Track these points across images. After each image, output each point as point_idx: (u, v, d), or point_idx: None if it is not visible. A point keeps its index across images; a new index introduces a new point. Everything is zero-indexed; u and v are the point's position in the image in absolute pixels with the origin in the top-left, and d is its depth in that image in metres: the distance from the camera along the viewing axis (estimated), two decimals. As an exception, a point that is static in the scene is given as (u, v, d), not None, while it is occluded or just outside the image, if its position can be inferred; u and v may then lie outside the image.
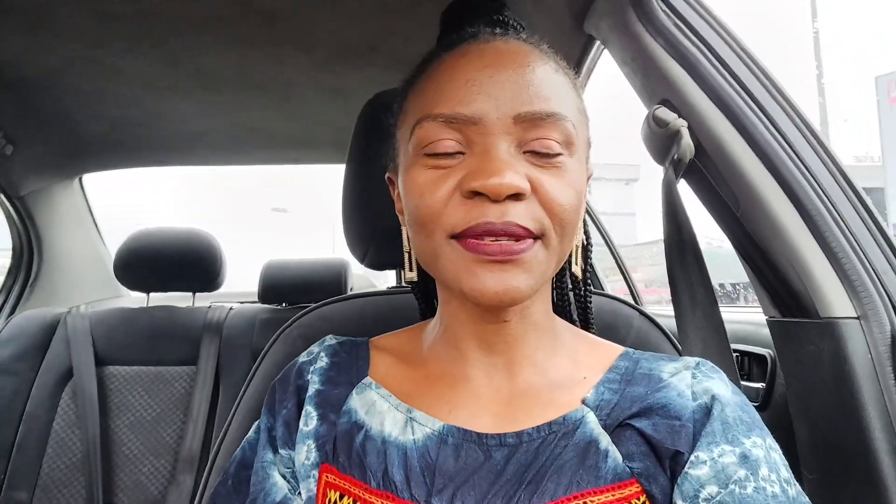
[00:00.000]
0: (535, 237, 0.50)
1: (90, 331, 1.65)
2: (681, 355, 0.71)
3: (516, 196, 0.49)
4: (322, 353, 0.65)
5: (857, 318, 0.64)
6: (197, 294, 1.91)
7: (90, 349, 1.62)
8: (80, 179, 2.11)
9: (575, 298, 0.69)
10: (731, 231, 0.75)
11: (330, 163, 2.00)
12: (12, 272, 1.98)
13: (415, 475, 0.52)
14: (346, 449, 0.56)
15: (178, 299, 1.88)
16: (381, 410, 0.57)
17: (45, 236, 1.97)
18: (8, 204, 1.84)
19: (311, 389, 0.61)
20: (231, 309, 1.79)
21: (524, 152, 0.51)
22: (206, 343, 1.68)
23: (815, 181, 0.68)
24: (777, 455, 0.51)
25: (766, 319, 0.76)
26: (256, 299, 1.91)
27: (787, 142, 0.69)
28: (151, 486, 1.53)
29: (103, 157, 1.93)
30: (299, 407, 0.61)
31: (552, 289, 0.65)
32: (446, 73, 0.54)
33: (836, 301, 0.65)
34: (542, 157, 0.51)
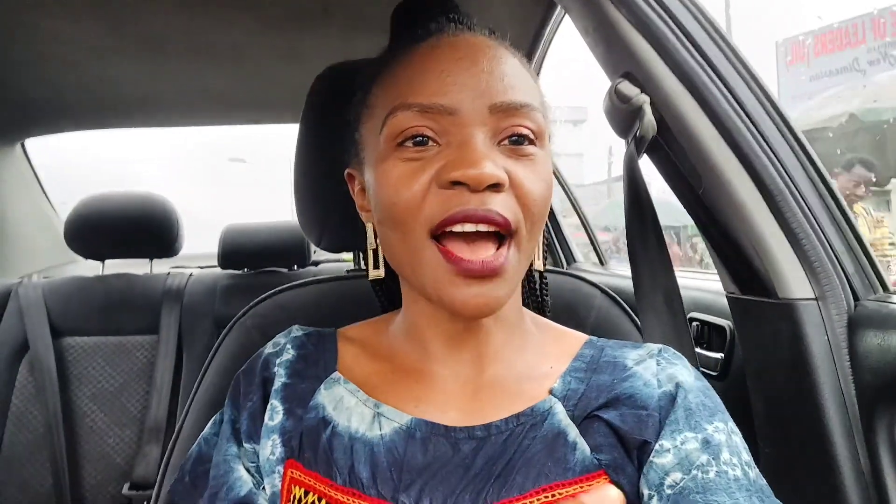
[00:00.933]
0: (510, 233, 0.50)
1: (44, 301, 1.61)
2: (641, 333, 0.72)
3: (495, 187, 0.49)
4: (288, 345, 0.63)
5: (815, 299, 0.65)
6: (155, 260, 1.86)
7: (45, 320, 1.58)
8: (23, 144, 2.01)
9: (532, 293, 0.68)
10: (693, 208, 0.74)
11: (287, 122, 1.94)
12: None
13: (381, 471, 0.51)
14: (312, 445, 0.55)
15: (134, 266, 1.83)
16: (348, 406, 0.56)
17: None
18: None
19: (278, 383, 0.60)
20: (191, 275, 1.76)
21: (499, 143, 0.51)
22: (167, 311, 1.65)
23: (778, 161, 0.67)
24: (738, 438, 0.52)
25: (726, 295, 0.76)
26: (216, 264, 1.87)
27: (750, 120, 0.68)
28: (117, 457, 1.54)
29: (46, 122, 1.86)
30: (265, 400, 0.60)
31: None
32: (419, 65, 0.53)
33: (794, 282, 0.66)
34: (515, 148, 0.52)
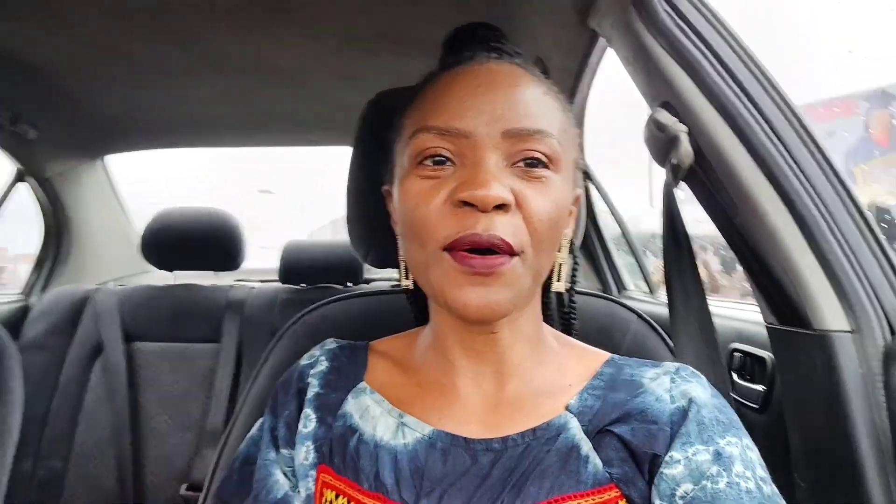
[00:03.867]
0: (514, 253, 0.52)
1: (118, 307, 1.71)
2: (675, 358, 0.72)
3: (502, 207, 0.51)
4: (322, 357, 0.68)
5: (851, 331, 0.64)
6: (220, 273, 1.95)
7: (118, 325, 1.68)
8: (104, 160, 2.15)
9: (558, 313, 0.70)
10: (730, 237, 0.74)
11: (343, 145, 2.01)
12: (43, 250, 2.04)
13: (404, 478, 0.55)
14: (341, 451, 0.59)
15: (201, 277, 1.93)
16: (374, 415, 0.60)
17: (73, 216, 2.03)
18: (36, 185, 1.89)
19: (311, 393, 0.64)
20: (252, 288, 1.83)
21: (512, 165, 0.54)
22: (229, 321, 1.72)
23: (814, 191, 0.66)
24: (754, 455, 0.53)
25: (765, 325, 0.76)
26: (276, 278, 1.95)
27: (787, 150, 0.68)
28: (177, 459, 1.60)
29: (123, 139, 1.97)
30: (299, 409, 0.64)
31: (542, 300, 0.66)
32: (441, 91, 0.58)
33: (830, 313, 0.65)
34: (527, 170, 0.54)
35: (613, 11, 0.80)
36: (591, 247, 1.81)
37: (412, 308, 0.73)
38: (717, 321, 1.06)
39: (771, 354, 0.92)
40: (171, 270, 1.89)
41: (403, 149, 0.58)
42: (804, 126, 0.69)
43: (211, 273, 2.00)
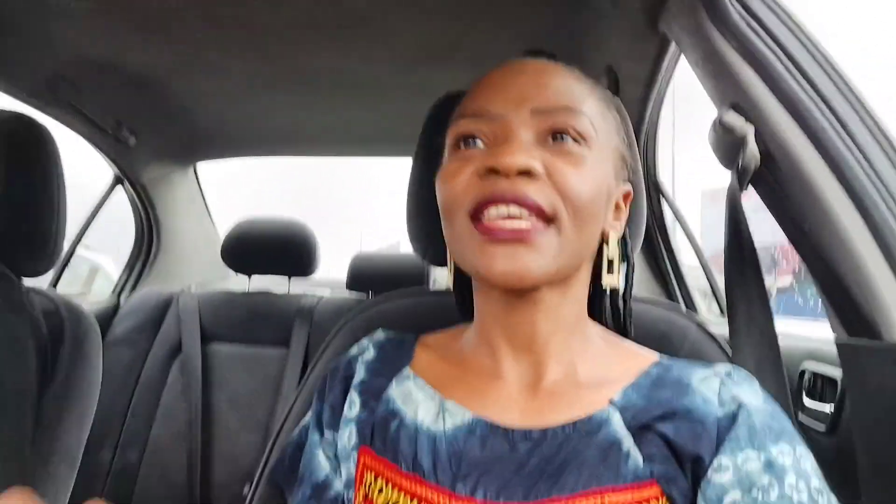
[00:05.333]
0: (548, 219, 0.53)
1: (198, 310, 1.80)
2: None
3: (529, 175, 0.53)
4: (370, 346, 0.70)
5: (928, 344, 0.59)
6: (292, 279, 2.03)
7: (197, 327, 1.76)
8: (195, 168, 2.29)
9: (612, 310, 0.68)
10: (799, 245, 0.71)
11: None
12: (135, 252, 2.18)
13: (442, 461, 0.55)
14: (382, 434, 0.60)
15: (275, 283, 2.01)
16: (416, 400, 0.61)
17: (163, 220, 2.15)
18: (131, 189, 2.03)
19: (357, 379, 0.66)
20: (322, 298, 1.89)
21: (543, 141, 0.56)
22: (298, 328, 1.78)
23: (891, 198, 0.63)
24: (808, 464, 0.50)
25: (834, 340, 0.71)
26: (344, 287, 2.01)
27: (862, 154, 0.64)
28: (243, 459, 1.64)
29: (215, 148, 2.09)
30: (344, 393, 0.66)
31: (589, 295, 0.66)
32: (480, 83, 0.62)
33: (905, 325, 0.60)
34: (559, 145, 0.55)
35: (683, 13, 0.80)
36: (662, 265, 1.76)
37: (458, 305, 0.74)
38: (788, 339, 1.02)
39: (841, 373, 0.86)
40: (248, 274, 1.97)
41: (448, 139, 0.61)
42: (881, 130, 0.66)
43: (284, 281, 2.07)
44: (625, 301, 0.68)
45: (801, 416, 0.95)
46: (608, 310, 0.69)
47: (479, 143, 0.57)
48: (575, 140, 0.55)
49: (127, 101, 1.62)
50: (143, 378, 1.70)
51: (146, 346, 1.75)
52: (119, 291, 2.11)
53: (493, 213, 0.53)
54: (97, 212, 1.98)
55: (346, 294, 2.01)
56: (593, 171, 0.56)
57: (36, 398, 0.85)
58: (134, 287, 2.13)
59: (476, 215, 0.54)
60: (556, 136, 0.55)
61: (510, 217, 0.52)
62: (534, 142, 0.55)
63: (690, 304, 1.73)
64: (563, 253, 0.54)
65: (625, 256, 0.69)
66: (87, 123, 1.62)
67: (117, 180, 1.99)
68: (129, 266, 2.17)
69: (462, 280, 0.67)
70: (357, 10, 1.14)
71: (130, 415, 1.65)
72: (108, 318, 1.83)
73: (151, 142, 1.86)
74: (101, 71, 1.43)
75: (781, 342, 0.70)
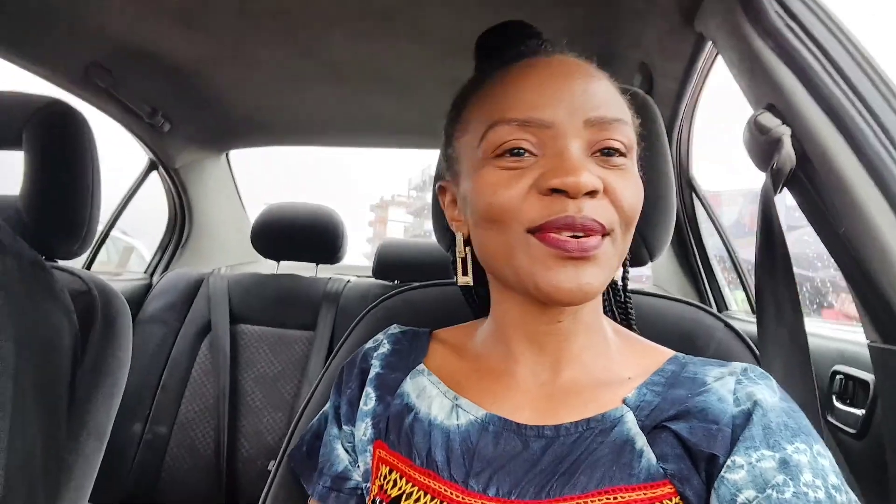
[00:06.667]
0: (605, 233, 0.52)
1: (227, 291, 1.83)
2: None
3: (591, 194, 0.51)
4: (385, 341, 0.71)
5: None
6: (319, 266, 2.06)
7: (226, 308, 1.80)
8: (227, 155, 2.33)
9: (615, 303, 0.69)
10: (834, 248, 0.70)
11: None
12: (167, 234, 2.23)
13: (455, 457, 0.56)
14: (396, 428, 0.61)
15: (303, 269, 2.04)
16: (430, 395, 0.62)
17: (195, 204, 2.20)
18: (165, 174, 2.07)
19: (373, 373, 0.67)
20: (348, 282, 1.91)
21: (592, 154, 0.54)
22: (325, 311, 1.80)
23: (930, 202, 0.62)
24: (826, 462, 0.49)
25: (868, 344, 0.71)
26: (371, 275, 2.03)
27: (901, 157, 0.64)
28: (268, 436, 1.68)
29: (247, 136, 2.12)
30: (361, 388, 0.67)
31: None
32: (515, 82, 0.56)
33: (938, 332, 0.60)
34: (607, 159, 0.54)
35: (720, 12, 0.79)
36: (693, 262, 1.75)
37: (469, 303, 0.75)
38: (819, 341, 1.01)
39: (873, 376, 0.85)
40: (277, 260, 2.01)
41: (474, 142, 0.57)
42: (922, 133, 0.65)
43: (312, 267, 2.10)
44: (624, 289, 0.69)
45: (832, 419, 0.95)
46: (612, 300, 0.70)
47: (526, 153, 0.54)
48: (622, 154, 0.54)
49: (162, 88, 1.65)
50: (174, 355, 1.75)
51: (177, 324, 1.80)
52: (152, 272, 2.16)
53: (555, 235, 0.51)
54: (132, 196, 2.03)
55: (373, 280, 2.03)
56: (636, 180, 0.56)
57: (69, 379, 0.87)
58: (166, 268, 2.18)
59: (538, 230, 0.52)
60: (604, 150, 0.54)
61: (575, 235, 0.51)
62: (585, 153, 0.53)
63: (721, 301, 1.71)
64: (614, 262, 0.55)
65: None
66: (122, 110, 1.66)
67: (152, 165, 2.03)
68: (162, 247, 2.22)
69: (478, 279, 0.67)
70: (388, 3, 1.15)
71: (161, 390, 1.70)
72: (140, 296, 1.88)
73: (185, 129, 1.90)
74: (138, 59, 1.46)
75: (812, 343, 0.70)
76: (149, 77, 1.57)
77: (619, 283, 0.70)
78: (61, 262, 1.01)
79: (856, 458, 0.88)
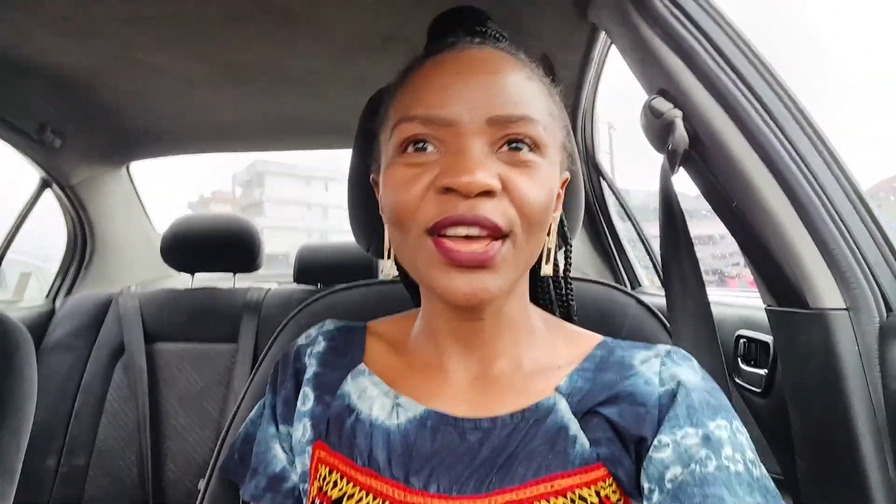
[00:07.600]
0: (504, 235, 0.51)
1: (140, 310, 1.76)
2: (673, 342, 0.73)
3: (487, 193, 0.50)
4: (320, 337, 0.70)
5: (847, 309, 0.64)
6: (238, 276, 2.00)
7: (140, 327, 1.72)
8: (128, 168, 2.21)
9: (556, 295, 0.71)
10: (728, 221, 0.75)
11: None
12: (68, 256, 2.09)
13: (396, 456, 0.56)
14: (337, 429, 0.61)
15: (220, 281, 1.97)
16: (371, 396, 0.61)
17: (97, 221, 2.08)
18: (60, 193, 1.94)
19: (309, 372, 0.66)
20: (269, 290, 1.87)
21: (497, 150, 0.53)
22: (246, 322, 1.76)
23: (810, 172, 0.67)
24: (744, 437, 0.53)
25: (765, 308, 0.76)
26: (292, 281, 1.99)
27: (783, 133, 0.69)
28: (196, 455, 1.63)
29: (147, 147, 2.02)
30: (297, 388, 0.66)
31: (530, 284, 0.67)
32: (423, 80, 0.56)
33: (825, 292, 0.65)
34: (512, 154, 0.53)
35: (610, 3, 0.82)
36: (605, 243, 1.82)
37: (409, 292, 0.75)
38: (723, 309, 1.07)
39: (772, 338, 0.92)
40: (191, 273, 1.94)
41: (388, 138, 0.57)
42: (801, 110, 0.70)
43: (229, 278, 2.04)
44: (566, 281, 0.70)
45: (738, 380, 1.01)
46: (552, 293, 0.72)
47: (429, 146, 0.53)
48: (530, 149, 0.53)
49: (50, 103, 1.55)
50: (85, 382, 1.66)
51: (85, 349, 1.71)
52: (54, 296, 2.03)
53: (451, 231, 0.51)
54: (25, 218, 1.90)
55: (295, 286, 1.99)
56: (546, 178, 0.54)
57: None
58: (69, 291, 2.05)
59: (433, 230, 0.51)
60: (510, 143, 0.53)
61: (468, 237, 0.50)
62: (488, 150, 0.52)
63: (634, 279, 1.79)
64: (518, 265, 0.54)
65: (563, 239, 0.71)
66: (7, 128, 1.55)
67: (44, 184, 1.90)
68: (63, 270, 2.08)
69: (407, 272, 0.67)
70: (285, 4, 1.12)
71: (74, 419, 1.61)
72: (43, 323, 1.78)
73: (79, 143, 1.79)
74: (20, 74, 1.37)
75: (716, 311, 0.75)
76: (34, 91, 1.47)
77: (561, 274, 0.70)
78: None
79: (762, 414, 0.94)
